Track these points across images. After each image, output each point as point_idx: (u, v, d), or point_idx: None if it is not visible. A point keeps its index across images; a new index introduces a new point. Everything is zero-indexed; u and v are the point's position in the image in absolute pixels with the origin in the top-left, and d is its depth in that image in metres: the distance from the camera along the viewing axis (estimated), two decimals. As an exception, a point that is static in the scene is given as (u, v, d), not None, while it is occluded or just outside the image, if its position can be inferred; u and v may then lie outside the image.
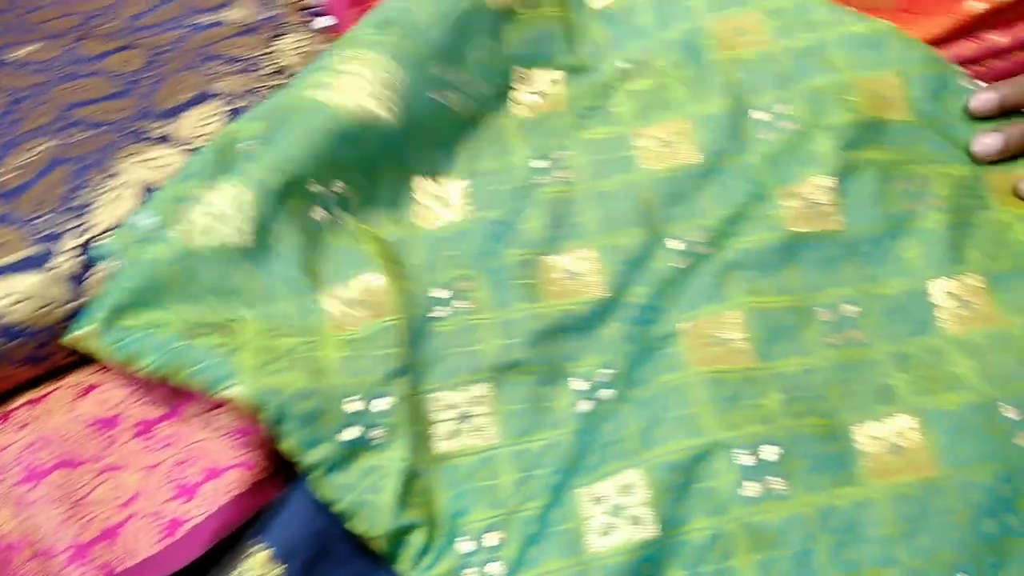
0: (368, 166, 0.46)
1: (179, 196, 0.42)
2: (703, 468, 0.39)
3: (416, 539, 0.38)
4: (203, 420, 0.42)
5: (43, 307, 0.41)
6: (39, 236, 0.42)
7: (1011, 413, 0.39)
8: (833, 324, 0.43)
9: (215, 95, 0.50)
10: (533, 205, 0.46)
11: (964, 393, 0.40)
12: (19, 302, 0.41)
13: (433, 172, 0.48)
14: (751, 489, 0.38)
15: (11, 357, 0.42)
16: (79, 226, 0.43)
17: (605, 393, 0.42)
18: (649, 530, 0.38)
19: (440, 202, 0.47)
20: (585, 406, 0.42)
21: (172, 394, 0.42)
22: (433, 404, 0.42)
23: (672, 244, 0.45)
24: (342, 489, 0.39)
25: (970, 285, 0.44)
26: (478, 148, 0.48)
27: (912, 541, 0.37)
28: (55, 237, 0.43)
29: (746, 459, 0.39)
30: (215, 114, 0.50)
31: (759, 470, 0.38)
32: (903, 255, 0.45)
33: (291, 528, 0.39)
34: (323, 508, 0.40)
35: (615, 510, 0.38)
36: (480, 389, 0.42)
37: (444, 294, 0.44)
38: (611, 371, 0.42)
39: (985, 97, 0.47)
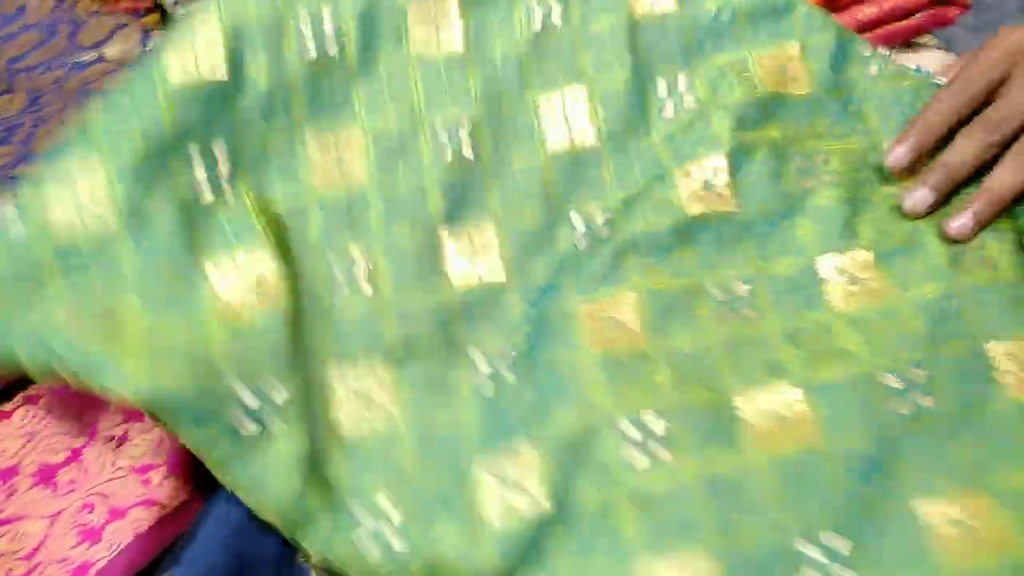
0: (248, 122, 0.44)
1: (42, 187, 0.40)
2: (593, 442, 0.40)
3: (320, 520, 0.38)
4: (103, 462, 0.42)
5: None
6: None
7: (891, 382, 0.41)
8: (725, 303, 0.44)
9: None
10: (436, 179, 0.46)
11: (850, 365, 0.41)
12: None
13: (330, 127, 0.46)
14: (639, 461, 0.39)
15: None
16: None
17: (507, 376, 0.42)
18: (542, 502, 0.38)
19: (339, 163, 0.46)
20: (488, 389, 0.42)
21: (71, 439, 0.42)
22: (334, 388, 0.41)
23: (575, 224, 0.46)
24: (244, 479, 0.38)
25: (860, 260, 0.44)
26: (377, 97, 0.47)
27: (793, 504, 0.38)
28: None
29: (634, 432, 0.40)
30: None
31: (646, 442, 0.40)
32: (796, 233, 0.46)
33: (201, 558, 0.39)
34: (238, 532, 0.40)
35: (510, 484, 0.39)
36: (382, 371, 0.42)
37: (341, 275, 0.44)
38: (513, 353, 0.43)
39: (899, 153, 0.46)
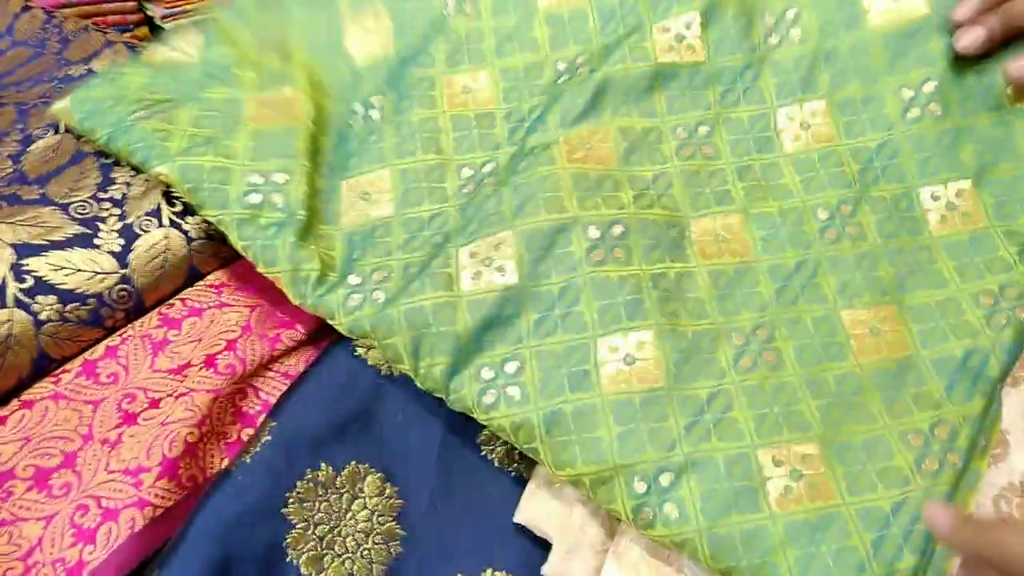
0: None
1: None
2: (561, 237, 0.46)
3: (310, 273, 0.46)
4: (96, 466, 0.43)
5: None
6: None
7: (821, 214, 0.48)
8: (686, 141, 0.50)
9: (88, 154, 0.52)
10: (442, 35, 0.55)
11: (786, 199, 0.48)
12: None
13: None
14: (596, 255, 0.46)
15: (68, 318, 0.46)
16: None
17: (488, 180, 0.50)
18: (512, 279, 0.45)
19: (368, 32, 0.56)
20: (469, 188, 0.50)
21: (65, 442, 0.43)
22: (344, 190, 0.51)
23: (559, 66, 0.53)
24: (248, 238, 0.47)
25: (814, 109, 0.51)
26: None
27: (724, 305, 0.45)
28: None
29: (595, 232, 0.46)
30: (91, 168, 0.52)
31: (606, 241, 0.46)
32: (759, 84, 0.52)
33: (189, 562, 0.40)
34: (226, 531, 0.42)
35: (486, 261, 0.46)
36: (382, 175, 0.51)
37: (360, 108, 0.54)
38: (492, 164, 0.51)
39: (973, 36, 0.46)
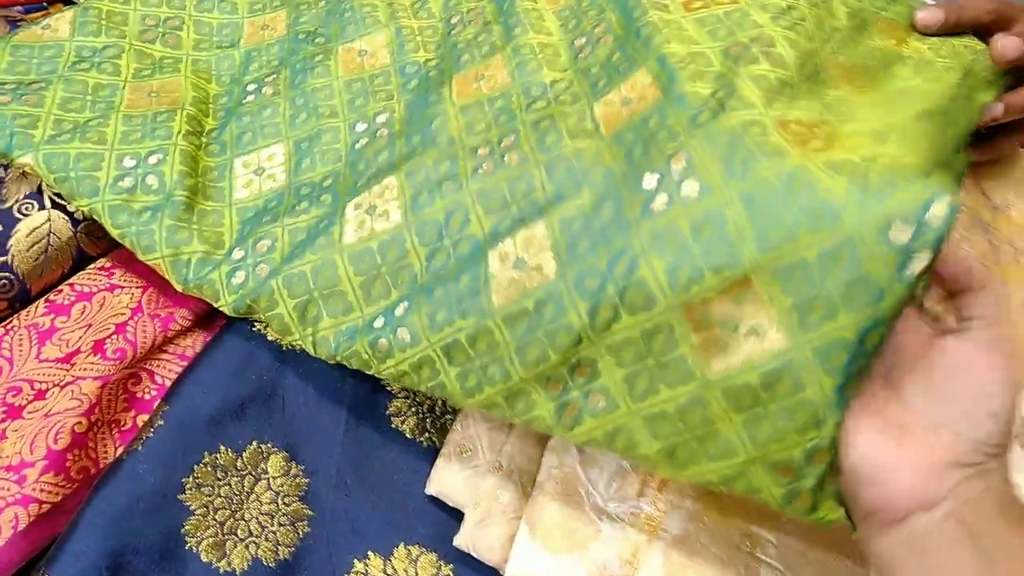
0: None
1: None
2: (327, 137, 0.48)
3: (191, 255, 0.44)
4: (-24, 463, 0.40)
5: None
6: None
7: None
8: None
9: None
10: (335, 16, 0.55)
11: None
12: None
13: None
14: (362, 142, 0.47)
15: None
16: None
17: (382, 131, 0.48)
18: (396, 220, 0.42)
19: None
20: (363, 141, 0.48)
21: (-56, 442, 0.41)
22: (239, 167, 0.49)
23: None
24: (123, 225, 0.44)
25: None
26: None
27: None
28: None
29: (361, 127, 0.48)
30: None
31: (372, 130, 0.48)
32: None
33: (79, 557, 0.38)
34: (118, 521, 0.40)
35: (369, 210, 0.43)
36: (276, 149, 0.49)
37: (253, 87, 0.53)
38: (386, 115, 0.49)
39: (933, 15, 0.45)
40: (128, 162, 0.46)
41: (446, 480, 0.43)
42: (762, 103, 0.34)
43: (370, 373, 0.41)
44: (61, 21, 0.52)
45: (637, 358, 0.34)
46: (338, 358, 0.41)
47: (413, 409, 0.46)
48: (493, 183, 0.40)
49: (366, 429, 0.45)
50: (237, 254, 0.44)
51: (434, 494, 0.43)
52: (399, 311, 0.40)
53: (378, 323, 0.40)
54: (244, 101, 0.51)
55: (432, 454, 0.45)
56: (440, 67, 0.49)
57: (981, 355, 0.30)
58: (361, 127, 0.48)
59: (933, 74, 0.41)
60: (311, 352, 0.42)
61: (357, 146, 0.47)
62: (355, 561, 0.42)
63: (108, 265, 0.49)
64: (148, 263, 0.44)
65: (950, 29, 0.45)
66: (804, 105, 0.35)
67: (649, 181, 0.34)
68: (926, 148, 0.32)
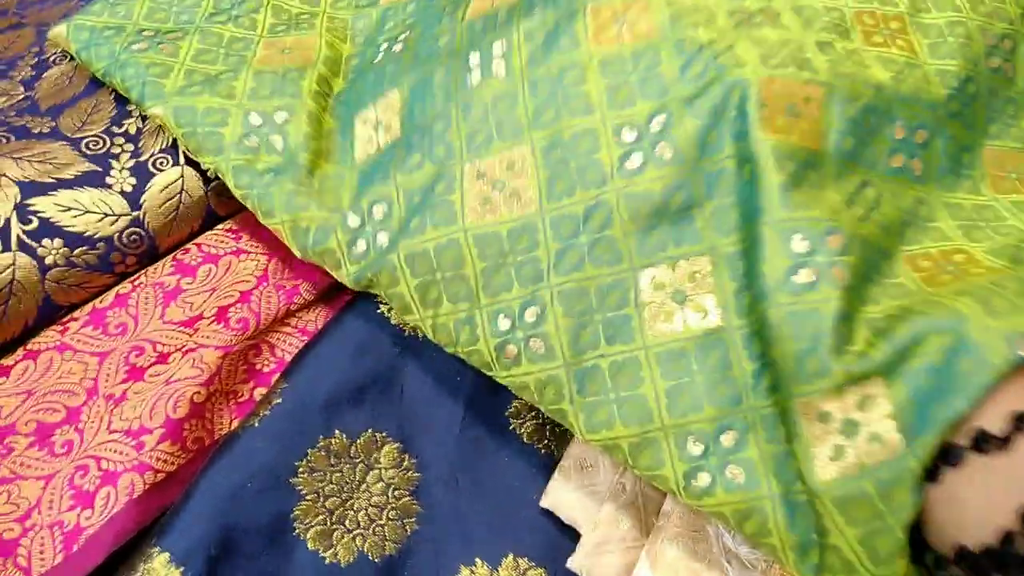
0: None
1: None
2: (436, 78, 0.42)
3: (311, 221, 0.41)
4: (99, 424, 0.40)
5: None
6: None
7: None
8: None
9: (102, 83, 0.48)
10: None
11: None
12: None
13: None
14: (476, 79, 0.41)
15: (75, 263, 0.43)
16: None
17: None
18: (529, 206, 0.38)
19: None
20: (477, 78, 0.41)
21: (69, 396, 0.41)
22: (358, 125, 0.45)
23: None
24: (245, 186, 0.43)
25: None
26: None
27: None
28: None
29: (474, 58, 0.42)
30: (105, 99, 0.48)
31: (486, 64, 0.41)
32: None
33: (189, 531, 0.38)
34: (228, 501, 0.39)
35: (497, 184, 0.38)
36: (392, 96, 0.44)
37: (385, 45, 0.49)
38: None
39: None
40: (255, 119, 0.44)
41: (562, 495, 0.41)
42: None
43: (486, 373, 0.38)
44: None
45: None
46: (459, 351, 0.39)
47: (533, 413, 0.44)
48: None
49: (483, 428, 0.43)
50: (352, 220, 0.41)
51: (549, 508, 0.41)
52: (529, 316, 0.37)
53: (504, 324, 0.37)
54: (375, 61, 0.48)
55: (548, 462, 0.42)
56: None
57: None
58: (475, 60, 0.42)
59: None
60: (431, 337, 0.39)
61: (470, 82, 0.41)
62: (461, 566, 0.41)
63: (236, 228, 0.48)
64: (269, 227, 0.43)
65: None
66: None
67: None
68: None
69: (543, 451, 0.43)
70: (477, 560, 0.41)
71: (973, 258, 0.34)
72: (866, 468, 0.29)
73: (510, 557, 0.41)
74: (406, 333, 0.44)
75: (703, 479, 0.33)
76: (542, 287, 0.37)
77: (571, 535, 0.41)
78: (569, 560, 0.39)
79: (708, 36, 0.36)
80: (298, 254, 0.42)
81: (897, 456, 0.28)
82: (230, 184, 0.43)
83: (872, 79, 0.36)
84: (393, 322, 0.44)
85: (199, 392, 0.41)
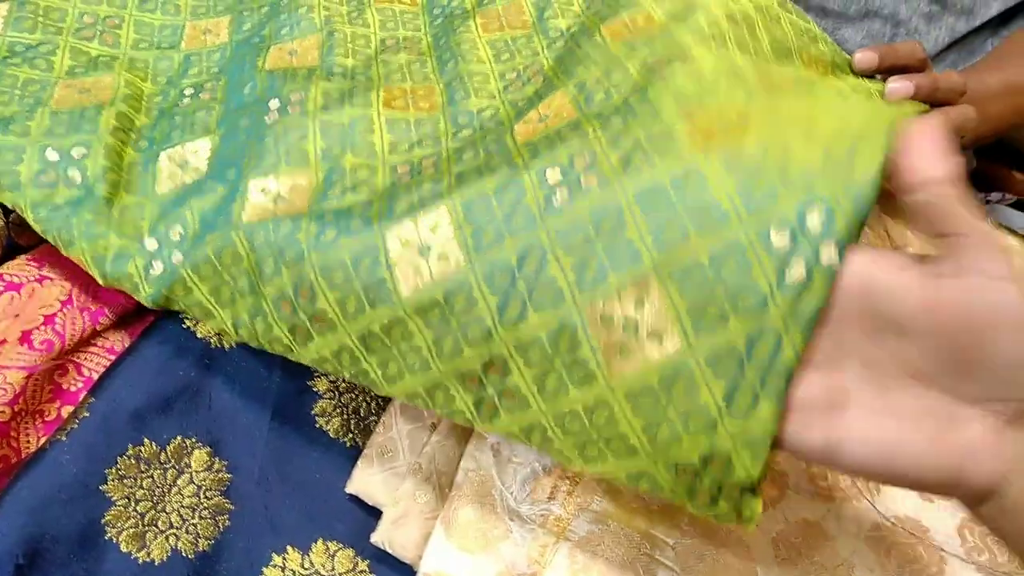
0: None
1: None
2: (244, 121, 0.47)
3: (109, 248, 0.43)
4: None
5: None
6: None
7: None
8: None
9: None
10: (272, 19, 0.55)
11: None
12: None
13: None
14: (272, 119, 0.46)
15: None
16: None
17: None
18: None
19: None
20: (274, 116, 0.47)
21: None
22: (164, 161, 0.47)
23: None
24: (44, 220, 0.44)
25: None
26: None
27: None
28: None
29: (275, 104, 0.47)
30: None
31: (284, 107, 0.46)
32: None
33: (-4, 539, 0.39)
34: (35, 514, 0.40)
35: (275, 196, 0.43)
36: (203, 144, 0.48)
37: (190, 91, 0.52)
38: (300, 95, 0.48)
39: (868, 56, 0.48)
40: (51, 155, 0.46)
41: (366, 480, 0.45)
42: (672, 103, 0.36)
43: (292, 358, 0.41)
44: None
45: (544, 358, 0.35)
46: (260, 340, 0.41)
47: (338, 410, 0.48)
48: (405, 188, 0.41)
49: (290, 428, 0.46)
50: (150, 244, 0.44)
51: (354, 493, 0.45)
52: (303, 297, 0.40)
53: (285, 309, 0.40)
54: (179, 103, 0.52)
55: (355, 454, 0.46)
56: (368, 75, 0.50)
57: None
58: (275, 104, 0.47)
59: (851, 101, 0.43)
60: (233, 336, 0.42)
61: (267, 120, 0.46)
62: (273, 554, 0.44)
63: (38, 256, 0.49)
64: (70, 257, 0.45)
65: (881, 70, 0.49)
66: (722, 95, 0.36)
67: (552, 175, 0.36)
68: (824, 157, 0.33)
69: (349, 444, 0.47)
70: (288, 548, 0.44)
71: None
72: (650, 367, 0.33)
73: (320, 542, 0.44)
74: (212, 345, 0.47)
75: (488, 408, 0.37)
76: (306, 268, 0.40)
77: (377, 517, 0.45)
78: (372, 535, 0.43)
79: None
80: (99, 280, 0.44)
81: None
82: (29, 218, 0.45)
83: None
84: (199, 335, 0.47)
85: (3, 412, 0.42)
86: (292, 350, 0.41)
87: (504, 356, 0.36)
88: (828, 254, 0.30)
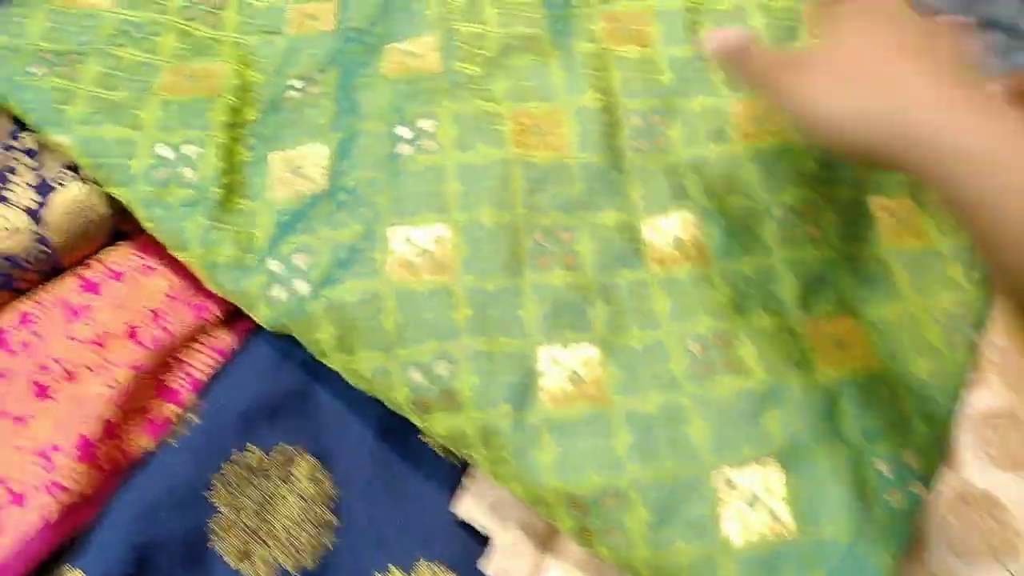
0: None
1: None
2: (365, 141, 0.47)
3: (225, 255, 0.43)
4: (4, 444, 0.39)
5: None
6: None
7: (695, 348, 0.42)
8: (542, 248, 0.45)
9: None
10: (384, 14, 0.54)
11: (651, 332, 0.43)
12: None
13: None
14: (403, 149, 0.45)
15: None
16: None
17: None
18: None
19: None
20: (407, 149, 0.46)
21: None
22: (275, 163, 0.47)
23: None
24: (156, 218, 0.43)
25: (685, 219, 0.46)
26: None
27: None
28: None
29: (407, 133, 0.46)
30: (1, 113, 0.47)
31: (417, 140, 0.46)
32: (627, 191, 0.47)
33: (105, 551, 0.38)
34: (144, 518, 0.39)
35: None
36: (319, 149, 0.47)
37: (298, 83, 0.50)
38: (433, 121, 0.47)
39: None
40: (163, 150, 0.44)
41: (472, 502, 0.44)
42: None
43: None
44: None
45: None
46: (376, 394, 0.41)
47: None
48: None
49: (396, 441, 0.45)
50: (273, 264, 0.42)
51: (459, 514, 0.44)
52: (440, 369, 0.40)
53: (415, 375, 0.40)
54: (286, 96, 0.50)
55: (458, 473, 0.45)
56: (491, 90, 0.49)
57: None
58: (405, 133, 0.46)
59: None
60: (348, 380, 0.42)
61: (398, 151, 0.46)
62: (376, 573, 0.43)
63: (142, 245, 0.47)
64: (178, 258, 0.43)
65: None
66: None
67: None
68: None
69: (454, 462, 0.46)
70: (391, 566, 0.43)
71: None
72: None
73: (422, 562, 0.43)
74: (320, 350, 0.46)
75: None
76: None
77: (481, 540, 0.43)
78: (481, 562, 0.42)
79: None
80: (211, 287, 0.43)
81: None
82: (140, 216, 0.43)
83: None
84: (306, 340, 0.46)
85: (112, 411, 0.41)
86: (411, 414, 0.41)
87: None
88: None
